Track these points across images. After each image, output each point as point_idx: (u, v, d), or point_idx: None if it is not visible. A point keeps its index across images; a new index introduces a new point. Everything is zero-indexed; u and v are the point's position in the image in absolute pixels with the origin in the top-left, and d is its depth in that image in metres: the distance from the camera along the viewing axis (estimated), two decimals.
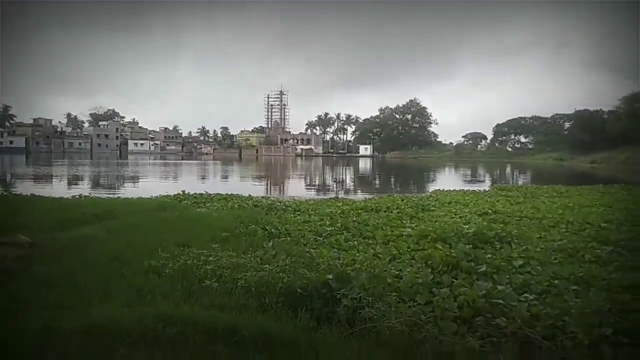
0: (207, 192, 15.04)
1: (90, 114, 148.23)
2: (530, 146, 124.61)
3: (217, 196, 14.32)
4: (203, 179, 34.40)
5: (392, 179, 40.84)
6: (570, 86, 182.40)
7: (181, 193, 14.60)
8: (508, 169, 62.12)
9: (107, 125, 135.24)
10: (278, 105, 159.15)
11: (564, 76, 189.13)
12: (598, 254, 6.41)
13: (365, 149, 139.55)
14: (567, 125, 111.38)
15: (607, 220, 9.38)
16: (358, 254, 6.39)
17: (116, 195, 15.34)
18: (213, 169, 52.21)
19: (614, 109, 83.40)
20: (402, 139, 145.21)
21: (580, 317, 3.94)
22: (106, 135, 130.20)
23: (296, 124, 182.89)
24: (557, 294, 4.69)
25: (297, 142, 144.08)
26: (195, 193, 14.87)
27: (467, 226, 8.12)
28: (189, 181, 30.20)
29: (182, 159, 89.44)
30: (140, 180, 30.99)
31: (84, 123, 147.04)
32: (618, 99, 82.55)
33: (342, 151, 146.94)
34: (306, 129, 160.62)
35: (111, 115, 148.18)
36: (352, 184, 34.69)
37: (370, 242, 7.48)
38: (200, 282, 4.90)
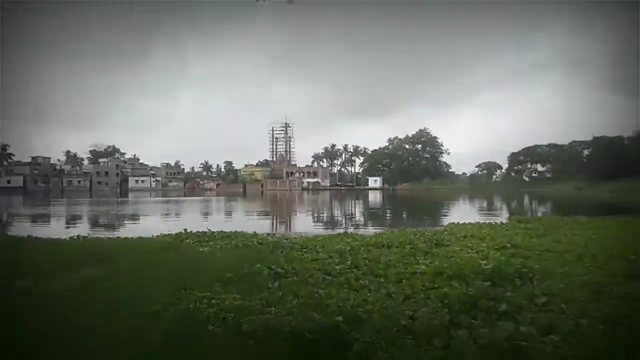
0: (210, 230, 14.43)
1: (90, 151, 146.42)
2: (548, 175, 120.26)
3: (220, 234, 13.73)
4: (206, 216, 33.87)
5: (404, 213, 39.56)
6: (586, 110, 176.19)
7: (183, 232, 14.00)
8: (526, 200, 59.27)
9: (107, 162, 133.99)
10: (283, 137, 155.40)
11: (580, 100, 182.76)
12: (625, 290, 6.00)
13: (374, 181, 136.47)
14: (585, 152, 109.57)
15: (634, 253, 8.83)
16: (370, 294, 6.08)
17: (116, 235, 14.89)
18: (216, 205, 51.39)
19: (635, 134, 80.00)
20: (413, 170, 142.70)
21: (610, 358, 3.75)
22: (106, 173, 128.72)
23: (302, 156, 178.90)
24: (584, 334, 4.34)
25: (303, 175, 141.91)
26: (198, 231, 14.28)
27: (484, 262, 7.72)
28: (191, 219, 29.42)
29: (185, 196, 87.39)
30: (140, 218, 30.64)
31: (84, 160, 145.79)
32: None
33: (350, 184, 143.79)
34: (312, 162, 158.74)
35: (111, 151, 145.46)
36: (362, 218, 33.70)
37: (382, 280, 7.08)
38: (203, 327, 4.68)
